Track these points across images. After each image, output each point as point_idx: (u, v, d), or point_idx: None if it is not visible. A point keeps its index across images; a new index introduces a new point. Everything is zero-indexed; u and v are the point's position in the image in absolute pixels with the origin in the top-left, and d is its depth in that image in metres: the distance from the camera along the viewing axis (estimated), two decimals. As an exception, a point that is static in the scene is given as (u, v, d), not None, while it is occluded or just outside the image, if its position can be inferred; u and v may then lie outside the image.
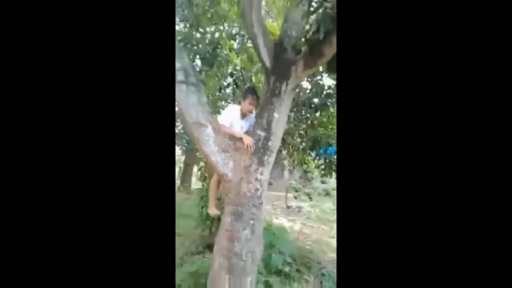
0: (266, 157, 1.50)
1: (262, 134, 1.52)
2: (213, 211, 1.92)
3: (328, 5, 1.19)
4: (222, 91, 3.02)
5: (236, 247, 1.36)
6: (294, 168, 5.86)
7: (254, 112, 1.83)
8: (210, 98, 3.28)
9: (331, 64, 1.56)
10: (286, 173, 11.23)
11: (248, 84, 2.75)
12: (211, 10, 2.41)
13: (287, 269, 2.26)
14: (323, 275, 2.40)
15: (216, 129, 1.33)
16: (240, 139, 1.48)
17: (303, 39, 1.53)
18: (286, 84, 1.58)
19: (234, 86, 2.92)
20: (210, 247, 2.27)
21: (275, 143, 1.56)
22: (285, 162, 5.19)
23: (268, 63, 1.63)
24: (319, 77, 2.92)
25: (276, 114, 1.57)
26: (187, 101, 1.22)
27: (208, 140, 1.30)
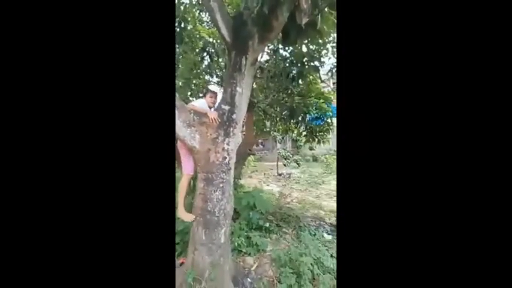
0: (231, 129, 1.67)
1: (227, 107, 1.66)
2: (183, 215, 1.72)
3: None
4: (198, 68, 3.04)
5: (209, 206, 1.61)
6: (282, 138, 6.07)
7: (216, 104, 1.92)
8: (191, 73, 3.29)
9: (287, 36, 1.63)
10: (278, 144, 11.54)
11: (220, 58, 2.78)
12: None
13: (267, 224, 2.59)
14: (300, 226, 2.76)
15: (178, 107, 1.46)
16: (205, 114, 1.62)
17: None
18: (246, 59, 1.67)
19: (209, 60, 2.93)
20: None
21: (239, 115, 1.71)
22: (275, 133, 5.37)
23: (228, 38, 1.69)
24: (297, 45, 2.90)
25: (238, 88, 1.69)
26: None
27: (172, 117, 1.45)
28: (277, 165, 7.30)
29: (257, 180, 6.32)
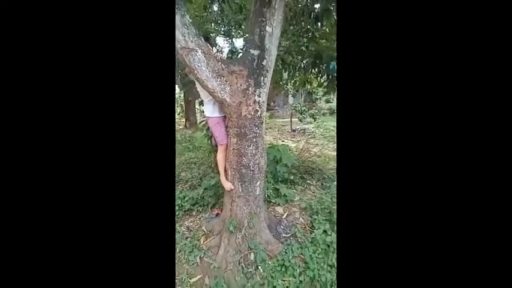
0: (262, 78, 1.50)
1: (256, 52, 1.46)
2: (225, 184, 1.70)
3: None
4: (209, 10, 2.66)
5: (244, 160, 1.59)
6: (297, 91, 5.71)
7: None
8: (198, 19, 2.93)
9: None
10: (290, 98, 11.09)
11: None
12: None
13: (292, 177, 2.64)
14: (323, 178, 2.81)
15: (206, 52, 1.29)
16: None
17: None
18: (277, -12, 1.38)
19: (221, 1, 2.54)
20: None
21: (270, 60, 1.52)
22: (289, 86, 5.00)
23: (253, -38, 1.38)
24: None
25: (268, 28, 1.45)
26: (170, 24, 1.13)
27: (201, 66, 1.29)
28: (290, 120, 7.15)
29: (272, 136, 6.31)
